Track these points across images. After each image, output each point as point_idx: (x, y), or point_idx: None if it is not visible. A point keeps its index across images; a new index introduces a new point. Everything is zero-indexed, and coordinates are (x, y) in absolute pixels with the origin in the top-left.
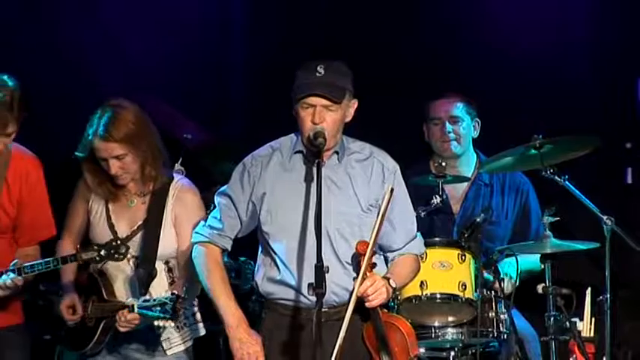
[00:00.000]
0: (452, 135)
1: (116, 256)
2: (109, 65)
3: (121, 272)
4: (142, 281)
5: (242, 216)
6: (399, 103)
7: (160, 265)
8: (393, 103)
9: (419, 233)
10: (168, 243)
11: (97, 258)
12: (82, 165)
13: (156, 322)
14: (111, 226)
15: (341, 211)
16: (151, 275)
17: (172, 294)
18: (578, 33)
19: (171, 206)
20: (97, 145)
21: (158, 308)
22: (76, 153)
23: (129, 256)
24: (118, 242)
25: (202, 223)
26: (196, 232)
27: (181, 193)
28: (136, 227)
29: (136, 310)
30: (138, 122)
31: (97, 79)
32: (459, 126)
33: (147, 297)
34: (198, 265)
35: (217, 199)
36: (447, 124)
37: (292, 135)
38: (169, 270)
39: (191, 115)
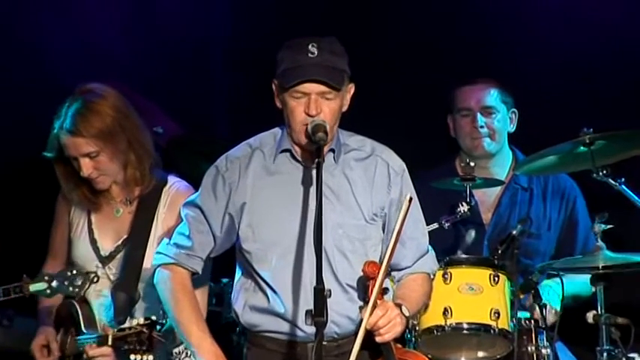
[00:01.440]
0: (484, 130)
1: (70, 289)
2: (72, 52)
3: (104, 299)
4: (120, 307)
5: (216, 231)
6: (415, 89)
7: (149, 289)
8: (408, 89)
9: (431, 247)
10: None
11: (48, 291)
12: (55, 167)
13: (132, 357)
14: (93, 242)
15: (339, 222)
16: (133, 300)
17: (146, 319)
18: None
19: (163, 215)
20: (64, 142)
21: (134, 339)
22: (44, 153)
23: (113, 278)
24: (74, 272)
25: (166, 241)
26: (159, 253)
27: (176, 199)
28: (120, 242)
29: (109, 341)
30: (115, 113)
31: (57, 67)
32: (493, 118)
33: (125, 326)
34: (163, 293)
35: (184, 211)
36: (479, 115)
37: (275, 130)
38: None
39: (165, 108)
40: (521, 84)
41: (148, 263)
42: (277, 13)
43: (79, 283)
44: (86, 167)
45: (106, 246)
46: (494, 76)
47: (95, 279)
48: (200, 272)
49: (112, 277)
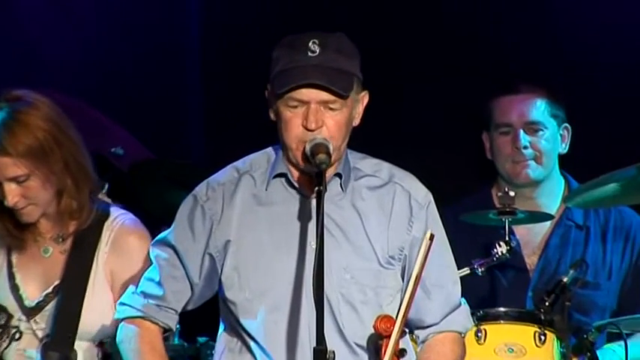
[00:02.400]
0: (529, 151)
1: None
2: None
3: (28, 359)
4: None
5: (193, 277)
6: (442, 101)
7: (89, 349)
8: (432, 100)
9: (464, 300)
10: (100, 314)
11: None
12: None
13: None
14: (14, 289)
15: (346, 266)
16: None
17: None
18: None
19: (104, 257)
20: None
21: None
22: None
23: (41, 335)
24: None
25: (132, 289)
26: (122, 304)
27: (122, 237)
28: (50, 290)
29: None
30: (49, 126)
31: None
32: (540, 137)
33: None
34: (127, 354)
35: (154, 252)
36: (522, 133)
37: (268, 150)
38: (105, 356)
39: (129, 127)
40: (576, 94)
41: (86, 316)
42: (259, 20)
43: (2, 322)
44: (12, 194)
45: (32, 294)
46: (541, 83)
47: (17, 335)
48: (174, 328)
49: (39, 333)
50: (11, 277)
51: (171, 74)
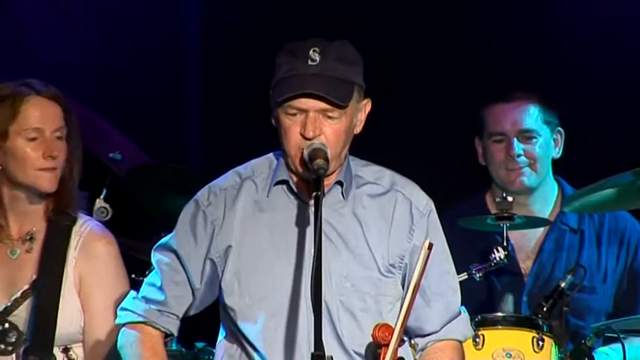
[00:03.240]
0: (522, 159)
1: (2, 346)
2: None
3: None
4: None
5: (195, 282)
6: (435, 105)
7: (57, 354)
8: (426, 105)
9: (464, 308)
10: (69, 319)
11: None
12: None
13: None
14: (17, 344)
15: (346, 274)
16: None
17: None
18: None
19: (73, 261)
20: (31, 109)
21: None
22: None
23: (10, 340)
24: (5, 325)
25: (133, 294)
26: (123, 309)
27: (89, 243)
28: (19, 294)
29: None
30: (71, 109)
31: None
32: (534, 144)
33: None
34: (128, 359)
35: (156, 257)
36: (516, 141)
37: (270, 156)
38: None
39: (125, 131)
40: (569, 97)
41: (62, 322)
42: (259, 23)
43: (13, 339)
44: (58, 148)
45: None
46: (534, 88)
47: None
48: (175, 333)
49: (7, 338)
50: None
51: (170, 78)
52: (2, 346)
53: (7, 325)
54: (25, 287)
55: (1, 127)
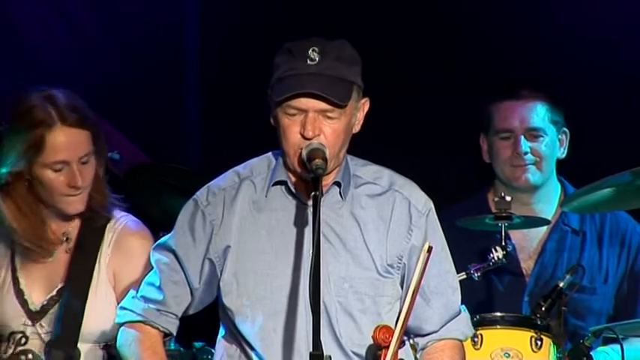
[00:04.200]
0: (529, 156)
1: None
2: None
3: None
4: None
5: (193, 282)
6: (437, 101)
7: (92, 351)
8: (428, 101)
9: (464, 307)
10: (103, 315)
11: None
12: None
13: None
14: (19, 294)
15: (345, 275)
16: None
17: None
18: None
19: (107, 258)
20: (56, 141)
21: None
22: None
23: (47, 339)
24: (30, 356)
25: (132, 293)
26: (123, 308)
27: (124, 239)
28: (54, 292)
29: None
30: (85, 104)
31: None
32: (541, 142)
33: None
34: (127, 358)
35: (155, 256)
36: (523, 139)
37: (269, 155)
38: (111, 358)
39: (124, 130)
40: (573, 98)
41: (89, 318)
42: (259, 22)
43: (10, 352)
44: (81, 176)
45: (37, 298)
46: (541, 87)
47: (23, 340)
48: (174, 333)
49: (44, 336)
50: (15, 281)
51: (168, 78)
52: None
53: (30, 355)
54: (60, 285)
55: (27, 155)
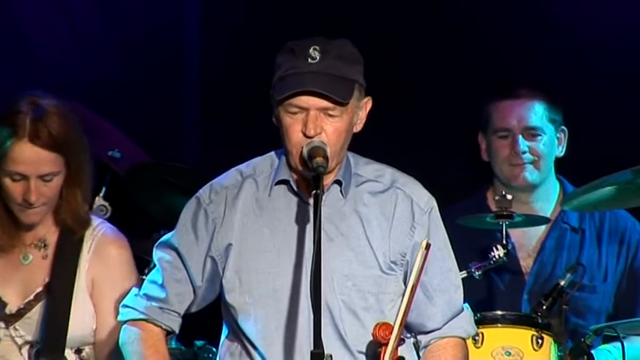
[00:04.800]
0: (527, 156)
1: None
2: (14, 62)
3: None
4: None
5: (196, 280)
6: (435, 101)
7: (68, 355)
8: (426, 100)
9: (467, 305)
10: (81, 322)
11: None
12: None
13: None
14: None
15: (348, 273)
16: None
17: None
18: None
19: (86, 265)
20: (20, 153)
21: None
22: None
23: (20, 342)
24: None
25: (135, 291)
26: (125, 306)
27: (102, 246)
28: (32, 297)
29: None
30: (74, 124)
31: None
32: (539, 141)
33: None
34: (129, 357)
35: (157, 255)
36: (521, 138)
37: (272, 155)
38: None
39: (123, 129)
40: (571, 96)
41: (72, 323)
42: (259, 21)
43: None
44: (37, 192)
45: (12, 301)
46: (539, 86)
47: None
48: (177, 331)
49: (18, 340)
50: None
51: (168, 76)
52: None
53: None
54: (39, 290)
55: None
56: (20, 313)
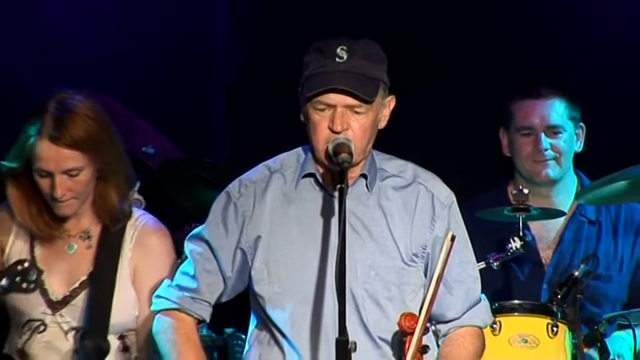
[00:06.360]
0: (550, 153)
1: (25, 285)
2: (40, 56)
3: (54, 352)
4: None
5: (226, 271)
6: (457, 97)
7: (112, 341)
8: (448, 96)
9: (484, 296)
10: (124, 309)
11: None
12: (8, 182)
13: None
14: (40, 284)
15: (371, 263)
16: (103, 352)
17: None
18: None
19: (129, 254)
20: (43, 152)
21: None
22: (2, 162)
23: (66, 328)
24: (25, 264)
25: (167, 282)
26: (158, 297)
27: (144, 236)
28: (77, 285)
29: None
30: (100, 122)
31: (29, 75)
32: (560, 138)
33: None
34: (163, 345)
35: (189, 247)
36: (543, 136)
37: (298, 150)
38: (125, 349)
39: (158, 126)
40: (587, 92)
41: (116, 310)
42: (284, 19)
43: (34, 277)
44: (62, 187)
45: (58, 289)
46: (560, 85)
47: (41, 328)
48: (207, 320)
49: (64, 325)
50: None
51: (199, 75)
52: (24, 285)
53: (26, 264)
54: (83, 278)
55: (25, 153)
56: (66, 301)
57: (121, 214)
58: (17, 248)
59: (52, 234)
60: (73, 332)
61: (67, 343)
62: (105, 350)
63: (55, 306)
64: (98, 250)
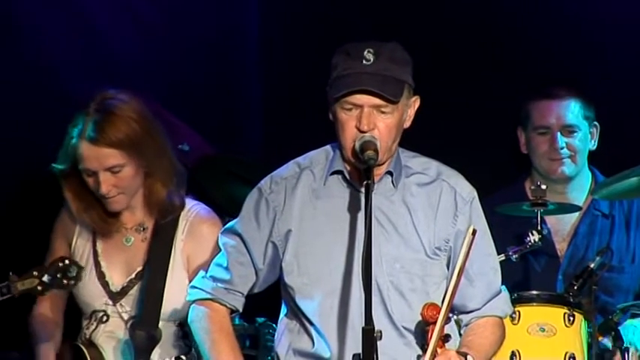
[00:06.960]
0: (565, 151)
1: (65, 281)
2: (81, 57)
3: (117, 341)
4: (141, 348)
5: (258, 263)
6: (476, 95)
7: (170, 328)
8: (467, 95)
9: (504, 287)
10: (179, 296)
11: (39, 287)
12: (62, 183)
13: None
14: (101, 276)
15: (396, 256)
16: (155, 339)
17: (177, 358)
18: None
19: (181, 244)
20: (84, 152)
21: None
22: (53, 165)
23: (126, 317)
24: (66, 262)
25: (202, 273)
26: (193, 287)
27: (196, 226)
28: (134, 275)
29: None
30: (142, 120)
31: (70, 76)
32: (575, 137)
33: None
34: (198, 333)
35: (222, 240)
36: (559, 135)
37: (327, 148)
38: (185, 335)
39: (192, 124)
40: (600, 92)
41: (167, 298)
42: (315, 20)
43: (74, 273)
44: (106, 184)
45: (117, 280)
46: (575, 85)
47: (105, 318)
48: (240, 310)
49: (124, 315)
50: (97, 265)
51: (234, 76)
52: (65, 281)
53: (67, 261)
54: (139, 269)
55: (70, 154)
56: (124, 291)
57: (170, 207)
58: (81, 244)
59: (109, 229)
60: (132, 320)
61: (126, 331)
62: (157, 338)
63: (115, 297)
64: (152, 242)
